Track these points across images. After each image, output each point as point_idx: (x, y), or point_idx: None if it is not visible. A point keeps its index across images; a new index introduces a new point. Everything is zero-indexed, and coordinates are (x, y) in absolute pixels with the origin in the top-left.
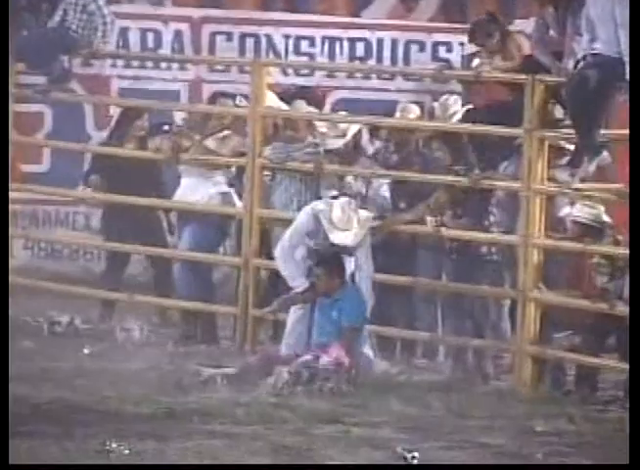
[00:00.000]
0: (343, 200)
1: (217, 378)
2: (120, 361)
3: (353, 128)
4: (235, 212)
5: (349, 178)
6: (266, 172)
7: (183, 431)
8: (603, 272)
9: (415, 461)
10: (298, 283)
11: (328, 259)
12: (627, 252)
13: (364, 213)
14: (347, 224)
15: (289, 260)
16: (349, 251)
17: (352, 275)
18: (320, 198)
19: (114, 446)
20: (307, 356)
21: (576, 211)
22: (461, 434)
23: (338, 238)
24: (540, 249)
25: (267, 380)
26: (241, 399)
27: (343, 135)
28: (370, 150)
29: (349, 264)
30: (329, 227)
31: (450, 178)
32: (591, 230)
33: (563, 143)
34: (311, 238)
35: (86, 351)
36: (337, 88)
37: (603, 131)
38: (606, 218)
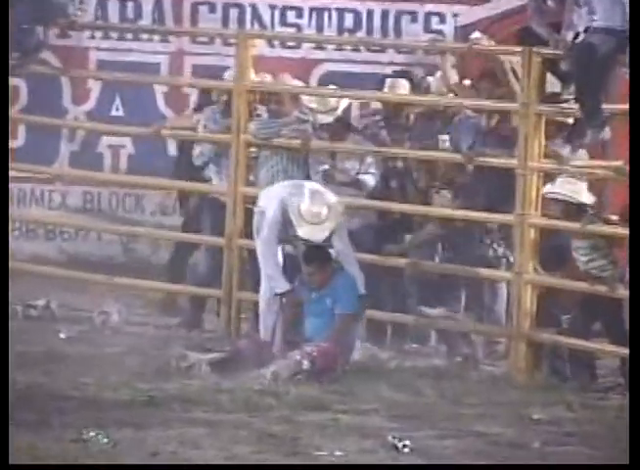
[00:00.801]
0: (313, 187)
1: (202, 364)
2: (98, 346)
3: (344, 103)
4: (217, 191)
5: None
6: (252, 149)
7: (163, 418)
8: (584, 254)
9: (406, 450)
10: (279, 285)
11: (317, 256)
12: (618, 231)
13: (333, 201)
14: (316, 217)
15: (268, 258)
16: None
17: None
18: (309, 176)
19: (91, 434)
20: (299, 356)
21: (555, 188)
22: (454, 422)
23: (307, 233)
24: (537, 229)
25: (260, 371)
26: (223, 386)
27: (334, 110)
28: (360, 126)
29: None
30: (298, 221)
31: (443, 154)
32: (569, 208)
33: (560, 118)
34: (282, 230)
35: (62, 335)
36: (325, 61)
37: (604, 105)
38: (586, 197)
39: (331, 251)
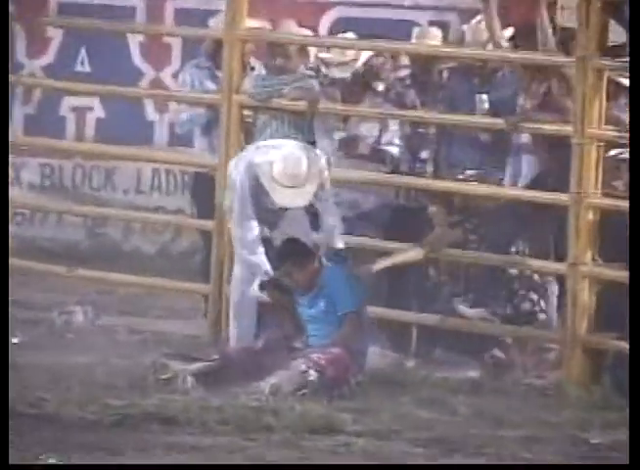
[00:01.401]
0: (289, 147)
1: (186, 376)
2: (59, 353)
3: (365, 55)
4: (205, 163)
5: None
6: (246, 112)
7: (139, 442)
8: None
9: None
10: (260, 270)
11: (293, 250)
12: None
13: (316, 159)
14: (294, 179)
15: (243, 238)
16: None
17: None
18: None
19: (51, 461)
20: (305, 365)
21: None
22: (494, 447)
23: (283, 199)
24: (597, 210)
25: (256, 384)
26: (212, 402)
27: (353, 62)
28: (381, 84)
29: (310, 235)
30: (270, 186)
31: (482, 120)
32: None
33: (623, 79)
34: (257, 205)
35: (15, 340)
36: (337, 4)
37: None
38: None
39: (309, 233)
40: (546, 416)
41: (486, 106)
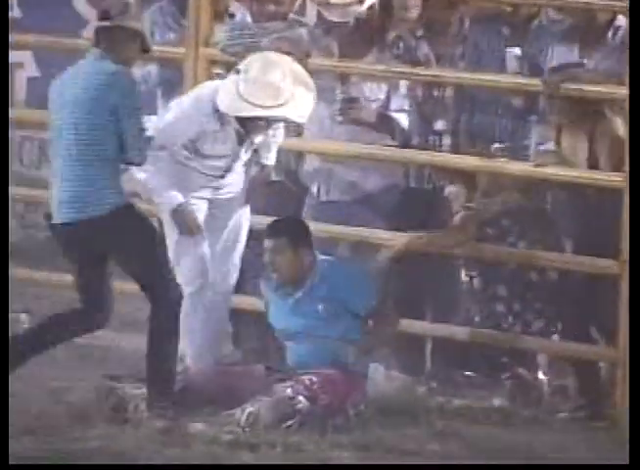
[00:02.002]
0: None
1: (139, 402)
2: None
3: None
4: None
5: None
6: (217, 71)
7: None
8: None
9: None
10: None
11: (277, 231)
12: None
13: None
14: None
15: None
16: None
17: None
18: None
19: None
20: (291, 390)
21: None
22: None
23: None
24: None
25: (230, 412)
26: (174, 436)
27: (356, 4)
28: (389, 36)
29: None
30: (235, 102)
31: (514, 80)
32: None
33: None
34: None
35: None
36: None
37: None
38: None
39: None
40: (591, 455)
41: (515, 64)
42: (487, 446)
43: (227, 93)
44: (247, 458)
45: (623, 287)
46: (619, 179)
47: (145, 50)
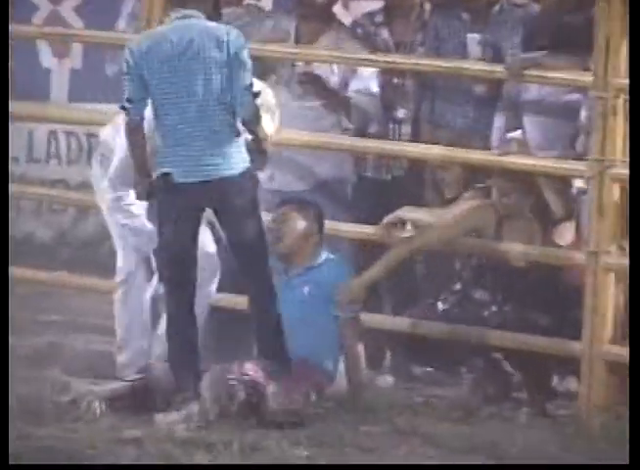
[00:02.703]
0: None
1: (94, 399)
2: None
3: None
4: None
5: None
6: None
7: None
8: None
9: None
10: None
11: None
12: None
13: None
14: None
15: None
16: None
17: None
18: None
19: None
20: (236, 381)
21: None
22: None
23: None
24: (625, 183)
25: (176, 411)
26: (126, 434)
27: None
28: (348, 20)
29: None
30: None
31: (475, 67)
32: None
33: None
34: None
35: None
36: None
37: None
38: None
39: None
40: (559, 451)
41: (479, 49)
42: (450, 443)
43: None
44: (201, 458)
45: (588, 281)
46: (584, 168)
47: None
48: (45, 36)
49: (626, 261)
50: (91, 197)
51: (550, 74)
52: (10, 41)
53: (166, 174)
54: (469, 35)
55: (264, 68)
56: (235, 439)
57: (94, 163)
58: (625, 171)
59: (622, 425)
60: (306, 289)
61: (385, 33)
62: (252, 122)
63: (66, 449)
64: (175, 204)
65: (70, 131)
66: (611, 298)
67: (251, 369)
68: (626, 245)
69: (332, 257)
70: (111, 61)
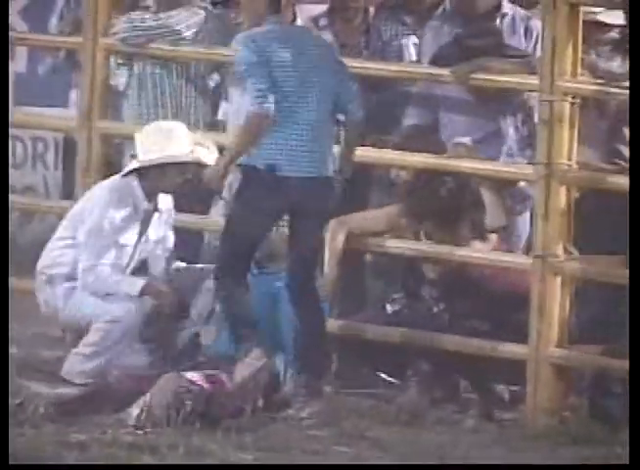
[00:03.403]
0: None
1: (40, 403)
2: None
3: None
4: (63, 127)
5: None
6: (120, 61)
7: None
8: None
9: None
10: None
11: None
12: None
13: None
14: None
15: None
16: None
17: None
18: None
19: None
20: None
21: None
22: None
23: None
24: (572, 186)
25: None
26: (73, 437)
27: None
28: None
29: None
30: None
31: (421, 70)
32: None
33: (604, 16)
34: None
35: None
36: None
37: None
38: None
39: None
40: (505, 453)
41: (413, 52)
42: (396, 447)
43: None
44: (147, 461)
45: (534, 284)
46: (530, 172)
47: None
48: None
49: (573, 265)
50: (36, 201)
51: (497, 78)
52: None
53: (271, 166)
54: (404, 38)
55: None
56: (180, 442)
57: None
58: (571, 175)
59: (567, 428)
60: (278, 284)
61: (329, 36)
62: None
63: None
64: (268, 196)
65: (16, 135)
66: (557, 301)
67: (199, 379)
68: (572, 248)
69: None
70: (45, 63)
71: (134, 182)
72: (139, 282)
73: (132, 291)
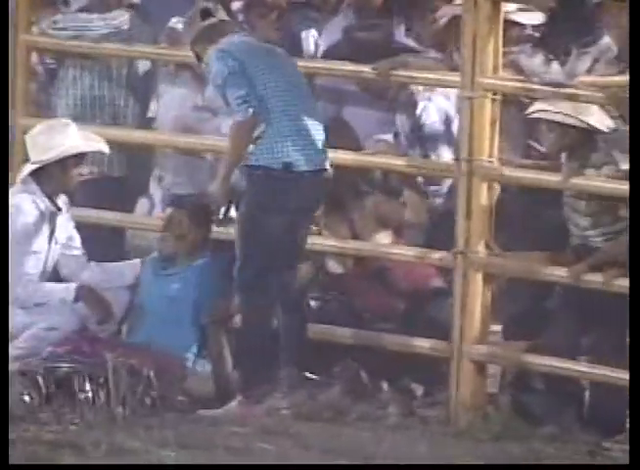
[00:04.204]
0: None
1: None
2: None
3: None
4: None
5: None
6: (48, 60)
7: None
8: (581, 223)
9: None
10: None
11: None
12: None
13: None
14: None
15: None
16: None
17: None
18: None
19: None
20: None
21: (546, 105)
22: None
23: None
24: (492, 183)
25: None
26: None
27: None
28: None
29: None
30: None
31: (347, 68)
32: (576, 137)
33: (519, 16)
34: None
35: None
36: None
37: None
38: (599, 121)
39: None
40: (427, 450)
41: (311, 45)
42: (319, 444)
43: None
44: (69, 459)
45: (456, 281)
46: (452, 168)
47: None
48: None
49: (495, 261)
50: None
51: (418, 75)
52: None
53: (287, 164)
54: (303, 32)
55: None
56: (103, 440)
57: None
58: (492, 171)
59: (488, 425)
60: (175, 286)
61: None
62: None
63: None
64: (296, 194)
65: None
66: (479, 298)
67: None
68: (493, 245)
69: (210, 262)
70: None
71: (33, 186)
72: (71, 286)
73: (68, 296)
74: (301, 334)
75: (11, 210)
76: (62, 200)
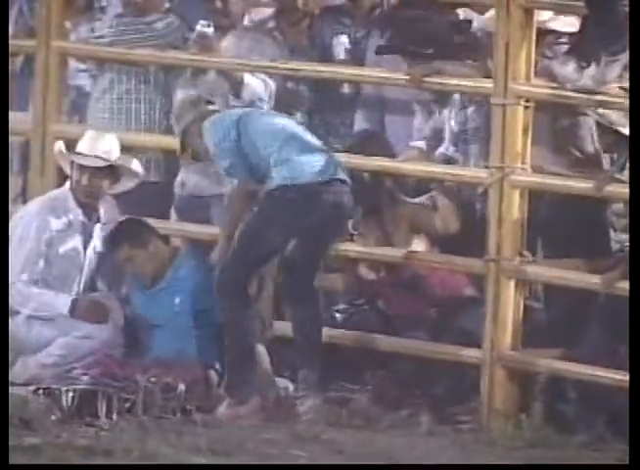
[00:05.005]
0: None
1: None
2: None
3: None
4: (20, 130)
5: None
6: (82, 66)
7: None
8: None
9: None
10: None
11: (133, 231)
12: None
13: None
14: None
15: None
16: None
17: None
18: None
19: None
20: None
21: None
22: None
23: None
24: (525, 190)
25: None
26: (27, 441)
27: None
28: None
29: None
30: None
31: (379, 75)
32: (615, 142)
33: (555, 24)
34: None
35: None
36: None
37: None
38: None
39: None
40: (459, 458)
41: (341, 51)
42: (350, 450)
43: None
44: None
45: (488, 288)
46: (484, 176)
47: None
48: None
49: (527, 268)
50: None
51: (450, 81)
52: None
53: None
54: (333, 38)
55: None
56: (134, 447)
57: None
58: (525, 178)
59: (521, 431)
60: (177, 299)
61: (277, 39)
62: None
63: None
64: (311, 209)
65: None
66: (511, 305)
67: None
68: (525, 252)
69: (191, 261)
70: None
71: (67, 193)
72: (67, 300)
73: (63, 309)
74: (315, 336)
75: (37, 210)
76: (108, 211)
